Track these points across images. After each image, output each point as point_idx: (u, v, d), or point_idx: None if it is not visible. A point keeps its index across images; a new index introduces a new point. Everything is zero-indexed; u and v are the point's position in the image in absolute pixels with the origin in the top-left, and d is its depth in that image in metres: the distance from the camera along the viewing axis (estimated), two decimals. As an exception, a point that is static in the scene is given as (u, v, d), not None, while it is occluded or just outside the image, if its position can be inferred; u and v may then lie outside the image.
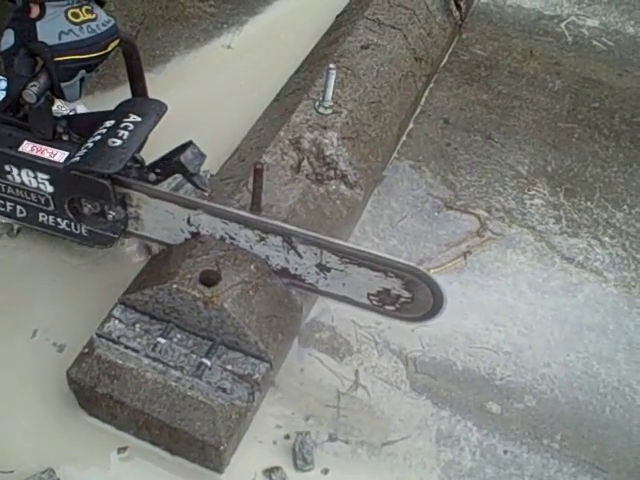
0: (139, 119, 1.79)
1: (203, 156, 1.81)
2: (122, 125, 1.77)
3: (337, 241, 1.73)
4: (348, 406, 1.84)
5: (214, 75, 2.71)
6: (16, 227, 2.07)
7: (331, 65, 2.16)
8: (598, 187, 2.54)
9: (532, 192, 2.48)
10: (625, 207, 2.48)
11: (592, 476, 1.78)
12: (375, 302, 1.78)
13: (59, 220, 1.90)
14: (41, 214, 1.91)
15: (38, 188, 1.83)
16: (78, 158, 1.72)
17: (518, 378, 1.95)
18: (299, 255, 1.76)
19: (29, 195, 1.86)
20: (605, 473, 1.79)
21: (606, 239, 2.36)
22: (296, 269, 1.80)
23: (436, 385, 1.91)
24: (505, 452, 1.80)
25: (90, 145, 1.73)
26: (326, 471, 1.72)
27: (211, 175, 2.22)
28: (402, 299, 1.74)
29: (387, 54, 2.55)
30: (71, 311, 1.92)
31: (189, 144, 1.79)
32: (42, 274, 2.00)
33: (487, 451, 1.80)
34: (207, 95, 2.60)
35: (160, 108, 1.84)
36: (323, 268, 1.76)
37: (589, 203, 2.48)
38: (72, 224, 1.90)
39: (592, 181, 2.56)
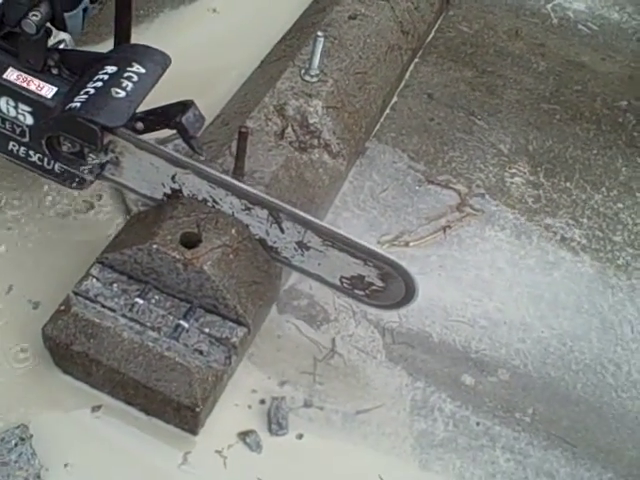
0: (143, 70, 1.69)
1: (203, 119, 1.74)
2: (125, 75, 1.67)
3: (325, 225, 1.71)
4: (324, 373, 1.84)
5: (198, 38, 2.66)
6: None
7: (319, 33, 2.14)
8: (578, 168, 2.56)
9: (513, 170, 2.50)
10: (603, 189, 2.50)
11: (562, 450, 1.81)
12: (346, 285, 1.77)
13: (31, 153, 1.79)
14: (12, 142, 1.79)
15: (16, 118, 1.73)
16: (79, 104, 1.61)
17: (493, 352, 1.97)
18: (281, 230, 1.74)
19: (3, 122, 1.75)
20: (574, 447, 1.82)
21: (584, 220, 2.39)
22: (274, 242, 1.78)
23: (412, 356, 1.92)
24: (477, 424, 1.83)
25: (91, 91, 1.63)
26: (300, 436, 1.73)
27: (195, 137, 2.20)
28: (374, 287, 1.74)
29: (374, 25, 2.53)
30: (47, 268, 1.89)
31: (191, 104, 1.72)
32: (18, 229, 1.97)
33: (460, 422, 1.82)
34: (190, 58, 2.55)
35: (164, 60, 1.74)
36: (303, 246, 1.75)
37: (568, 184, 2.49)
38: (45, 159, 1.79)
39: (572, 162, 2.58)
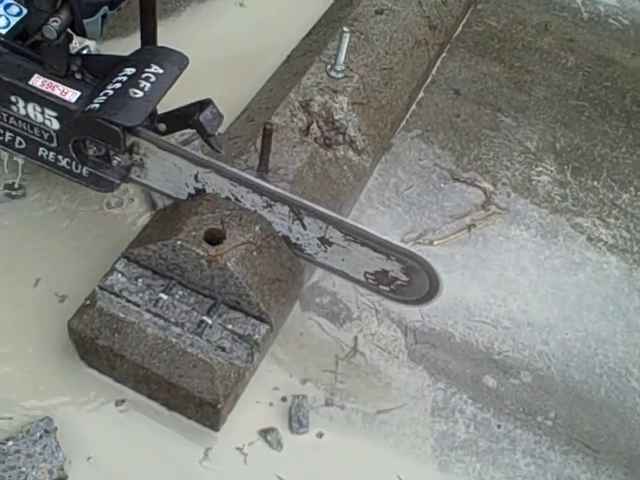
0: (161, 70, 1.73)
1: (221, 117, 1.77)
2: (143, 75, 1.70)
3: (345, 219, 1.71)
4: (345, 372, 1.85)
5: (225, 32, 2.66)
6: (18, 182, 2.05)
7: (345, 28, 2.13)
8: (606, 167, 2.53)
9: (539, 168, 2.47)
10: (632, 189, 2.47)
11: (583, 455, 1.80)
12: (371, 281, 1.77)
13: (59, 157, 1.83)
14: (41, 149, 1.84)
15: (43, 123, 1.77)
16: (98, 105, 1.66)
17: (515, 354, 1.96)
18: (303, 226, 1.75)
19: (32, 129, 1.80)
20: (596, 453, 1.81)
21: (611, 220, 2.36)
22: (297, 239, 1.79)
23: (434, 356, 1.92)
24: (499, 426, 1.82)
25: (110, 92, 1.67)
26: (321, 435, 1.74)
27: (219, 134, 2.20)
28: (398, 282, 1.74)
29: (401, 20, 2.51)
30: (74, 262, 1.91)
31: (209, 103, 1.75)
32: (46, 224, 1.99)
33: (481, 424, 1.81)
34: (217, 52, 2.56)
35: (182, 61, 1.77)
36: (325, 242, 1.75)
37: (596, 182, 2.47)
38: (73, 163, 1.83)
39: (600, 161, 2.55)
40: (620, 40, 3.10)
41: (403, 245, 1.69)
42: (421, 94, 2.63)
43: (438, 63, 2.76)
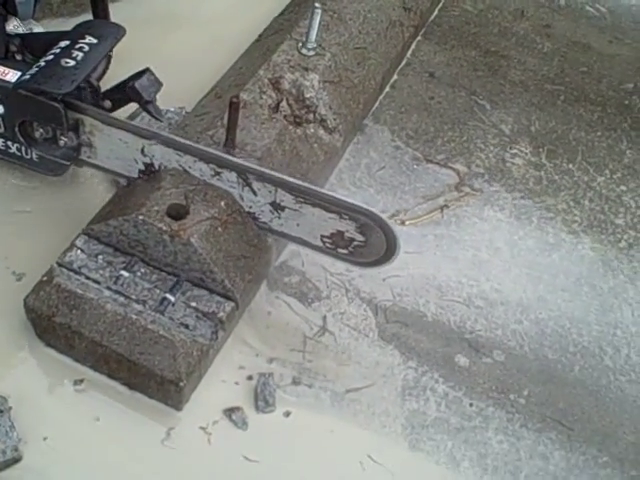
0: (95, 41, 1.73)
1: (159, 84, 1.76)
2: (77, 46, 1.71)
3: (291, 179, 1.68)
4: (314, 351, 1.80)
5: (196, 12, 2.62)
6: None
7: (316, 4, 2.08)
8: (581, 150, 2.50)
9: (514, 151, 2.44)
10: (607, 172, 2.45)
11: (557, 432, 1.76)
12: (329, 244, 1.73)
13: (9, 144, 1.83)
14: None
15: None
16: (28, 77, 1.65)
17: (488, 333, 1.92)
18: (254, 192, 1.71)
19: None
20: (570, 430, 1.77)
21: (585, 202, 2.33)
22: (250, 207, 1.75)
23: (405, 335, 1.87)
24: (471, 405, 1.78)
25: (42, 64, 1.66)
26: (288, 414, 1.69)
27: (186, 112, 2.15)
28: (355, 242, 1.69)
29: (375, 1, 2.47)
30: (32, 240, 1.85)
31: (145, 70, 1.75)
32: (3, 201, 1.93)
33: (452, 403, 1.77)
34: (187, 33, 2.52)
35: (118, 31, 1.78)
36: (277, 207, 1.72)
37: (571, 165, 2.44)
38: (22, 148, 1.83)
39: (575, 144, 2.52)
40: (596, 27, 3.08)
41: (352, 201, 1.64)
42: (395, 76, 2.59)
43: (413, 46, 2.73)
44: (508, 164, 2.39)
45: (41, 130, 1.76)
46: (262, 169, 1.68)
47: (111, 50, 1.78)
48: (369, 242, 1.67)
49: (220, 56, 2.37)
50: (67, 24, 2.24)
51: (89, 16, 1.99)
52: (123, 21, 1.91)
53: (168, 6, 2.63)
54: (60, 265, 1.67)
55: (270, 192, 1.69)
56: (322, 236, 1.72)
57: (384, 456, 1.66)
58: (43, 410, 1.60)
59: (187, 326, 1.63)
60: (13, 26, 1.83)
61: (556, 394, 1.83)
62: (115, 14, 2.04)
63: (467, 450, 1.69)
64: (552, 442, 1.74)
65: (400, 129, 2.41)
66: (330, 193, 1.67)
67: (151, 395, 1.65)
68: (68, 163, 1.81)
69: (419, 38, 2.77)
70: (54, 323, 1.62)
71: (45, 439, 1.56)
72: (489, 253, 2.11)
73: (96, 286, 1.65)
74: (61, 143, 1.77)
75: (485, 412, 1.76)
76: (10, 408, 1.55)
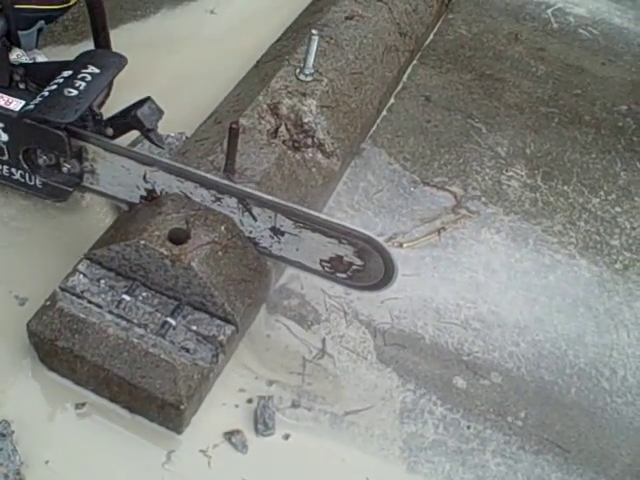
0: (97, 70, 1.77)
1: (161, 112, 1.80)
2: (79, 76, 1.74)
3: (291, 205, 1.70)
4: (313, 374, 1.82)
5: (195, 39, 2.66)
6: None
7: (313, 31, 2.12)
8: (576, 172, 2.53)
9: (510, 173, 2.47)
10: (601, 193, 2.48)
11: (554, 455, 1.78)
12: (327, 269, 1.75)
13: (13, 170, 1.85)
14: None
15: None
16: (32, 106, 1.68)
17: (485, 355, 1.94)
18: (254, 218, 1.74)
19: None
20: (567, 453, 1.79)
21: (581, 223, 2.36)
22: (250, 232, 1.78)
23: (403, 357, 1.89)
24: (468, 427, 1.79)
25: (46, 94, 1.70)
26: (287, 437, 1.70)
27: (186, 137, 2.18)
28: (354, 267, 1.72)
29: (371, 26, 2.51)
30: (36, 264, 1.87)
31: (147, 99, 1.78)
32: (7, 225, 1.95)
33: (450, 425, 1.79)
34: (187, 58, 2.56)
35: (120, 61, 1.82)
36: (277, 232, 1.74)
37: (566, 187, 2.47)
38: (26, 175, 1.86)
39: (570, 166, 2.55)
40: (590, 49, 3.13)
41: (351, 225, 1.67)
42: (392, 100, 2.63)
43: (409, 70, 2.77)
44: (504, 186, 2.42)
45: (44, 157, 1.80)
46: (262, 195, 1.71)
47: (113, 78, 1.81)
48: (367, 266, 1.69)
49: (219, 82, 2.41)
50: (69, 51, 2.29)
51: (90, 43, 2.02)
52: (123, 47, 1.95)
53: (167, 30, 2.67)
54: (63, 289, 1.69)
55: (270, 217, 1.71)
56: (321, 260, 1.74)
57: (382, 478, 1.67)
58: (45, 434, 1.61)
59: (188, 350, 1.64)
60: (17, 55, 1.86)
61: (553, 416, 1.84)
62: (115, 40, 2.07)
63: (465, 472, 1.70)
64: (549, 464, 1.75)
65: (397, 152, 2.44)
66: (329, 218, 1.70)
67: (152, 418, 1.66)
68: (71, 189, 1.84)
69: (415, 62, 2.81)
70: (56, 347, 1.64)
71: (47, 462, 1.57)
72: (486, 275, 2.13)
73: (98, 310, 1.67)
74: (64, 170, 1.80)
75: (483, 434, 1.78)
76: (13, 432, 1.56)
